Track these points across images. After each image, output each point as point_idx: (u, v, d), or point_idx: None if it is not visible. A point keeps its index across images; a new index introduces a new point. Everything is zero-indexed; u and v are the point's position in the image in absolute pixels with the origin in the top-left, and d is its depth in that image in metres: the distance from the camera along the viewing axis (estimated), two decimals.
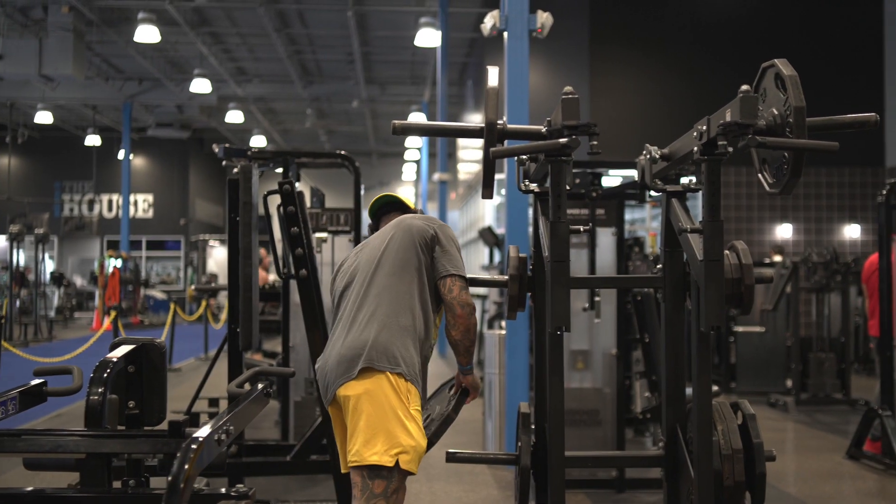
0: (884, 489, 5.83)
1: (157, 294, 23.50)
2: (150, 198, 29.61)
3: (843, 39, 15.13)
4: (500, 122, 2.86)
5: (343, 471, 3.22)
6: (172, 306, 11.55)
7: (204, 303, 13.62)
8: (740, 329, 9.90)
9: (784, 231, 15.14)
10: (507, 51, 6.26)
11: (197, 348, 13.64)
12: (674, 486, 3.35)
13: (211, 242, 26.26)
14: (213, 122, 24.97)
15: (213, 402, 7.36)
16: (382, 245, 3.30)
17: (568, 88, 2.70)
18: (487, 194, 2.91)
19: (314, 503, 5.21)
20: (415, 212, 3.54)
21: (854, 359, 11.28)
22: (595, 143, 2.69)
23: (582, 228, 3.22)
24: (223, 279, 25.77)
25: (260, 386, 3.29)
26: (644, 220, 15.71)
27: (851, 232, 15.08)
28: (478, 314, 15.45)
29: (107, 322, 12.88)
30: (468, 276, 3.37)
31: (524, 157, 3.46)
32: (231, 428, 2.65)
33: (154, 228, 29.39)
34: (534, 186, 3.53)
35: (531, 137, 2.99)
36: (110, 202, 29.22)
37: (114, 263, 19.22)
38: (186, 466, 2.20)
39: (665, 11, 15.03)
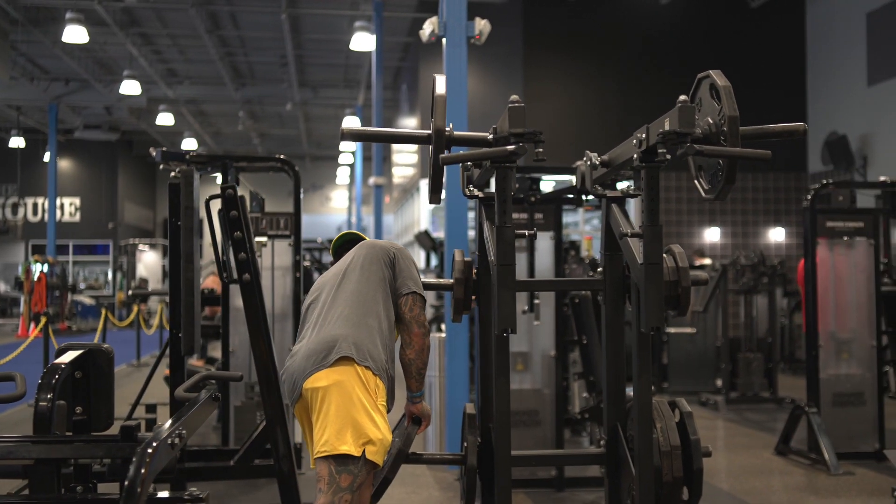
0: (811, 483, 6.06)
1: (85, 299, 22.98)
2: (77, 201, 28.93)
3: (769, 50, 15.63)
4: (447, 128, 2.93)
5: (312, 466, 3.21)
6: (104, 312, 11.34)
7: (136, 308, 13.40)
8: (672, 330, 10.14)
9: (712, 234, 15.54)
10: (446, 57, 6.34)
11: (129, 354, 13.42)
12: (615, 483, 3.46)
13: (141, 247, 25.79)
14: (142, 125, 24.54)
15: (151, 408, 7.27)
16: (347, 261, 3.41)
17: (514, 97, 2.78)
18: (435, 199, 2.97)
19: None
20: None
21: (780, 358, 11.64)
22: (541, 150, 2.77)
23: (527, 233, 3.30)
24: (154, 284, 25.42)
25: (208, 390, 3.31)
26: (577, 224, 15.96)
27: (776, 235, 15.55)
28: None
29: (34, 329, 12.57)
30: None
31: (468, 163, 3.53)
32: (184, 432, 2.67)
33: (81, 232, 28.72)
34: (477, 192, 3.60)
35: (478, 144, 3.06)
36: (35, 205, 28.46)
37: (40, 268, 18.76)
38: (143, 470, 2.22)
39: (598, 19, 15.31)
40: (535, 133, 2.72)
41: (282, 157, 6.40)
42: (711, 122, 2.99)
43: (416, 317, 3.29)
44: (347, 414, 3.03)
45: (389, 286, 3.32)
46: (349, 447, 3.00)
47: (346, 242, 3.69)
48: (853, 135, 14.14)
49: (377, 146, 16.58)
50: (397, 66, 20.67)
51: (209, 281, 8.71)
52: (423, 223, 17.12)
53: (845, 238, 6.73)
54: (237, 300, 6.02)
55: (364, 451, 3.01)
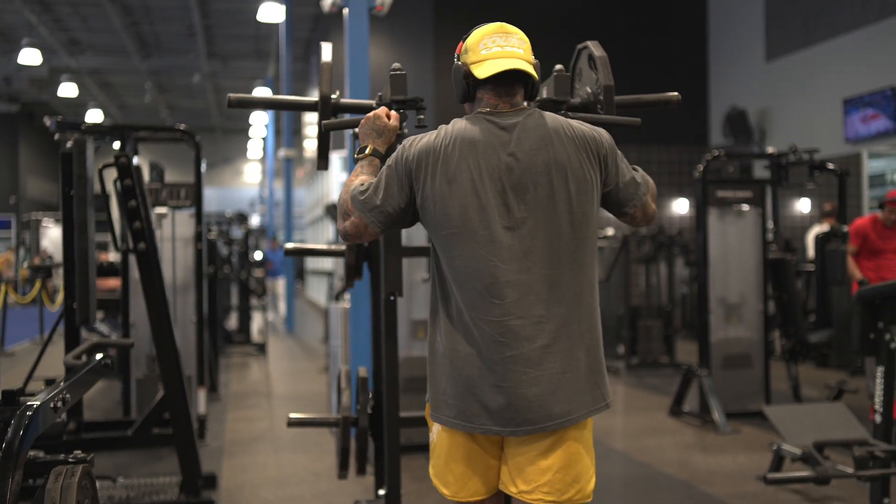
0: (700, 441, 6.33)
1: None
2: None
3: (672, 26, 15.96)
4: (333, 96, 2.97)
5: None
6: (3, 287, 11.04)
7: (39, 283, 13.07)
8: None
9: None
10: (348, 27, 6.35)
11: (32, 331, 13.10)
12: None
13: (45, 222, 25.04)
14: (44, 96, 23.79)
15: (51, 382, 7.15)
16: None
17: (396, 65, 2.84)
18: (322, 165, 3.02)
19: (159, 477, 5.20)
20: None
21: (682, 325, 12.03)
22: (422, 116, 2.84)
23: None
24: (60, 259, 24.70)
25: (98, 357, 3.32)
26: None
27: (681, 206, 16.00)
28: (323, 289, 15.29)
29: None
30: (309, 245, 3.47)
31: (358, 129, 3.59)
32: (67, 396, 2.68)
33: None
34: None
35: (363, 111, 3.12)
36: None
37: None
38: (21, 432, 2.23)
39: None
40: (416, 100, 2.79)
41: (182, 127, 6.34)
42: (589, 91, 3.11)
43: None
44: None
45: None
46: None
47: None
48: (752, 109, 14.61)
49: (287, 118, 16.44)
50: (308, 38, 20.46)
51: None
52: (335, 195, 17.08)
53: (735, 207, 7.01)
54: (137, 271, 5.97)
55: None
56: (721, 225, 7.01)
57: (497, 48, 2.31)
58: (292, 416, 3.76)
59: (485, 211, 2.21)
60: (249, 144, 30.82)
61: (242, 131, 30.42)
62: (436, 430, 2.34)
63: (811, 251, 8.50)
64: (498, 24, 2.36)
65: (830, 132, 12.41)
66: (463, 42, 2.40)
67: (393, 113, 2.61)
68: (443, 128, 2.34)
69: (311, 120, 21.22)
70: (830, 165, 7.19)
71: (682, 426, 6.84)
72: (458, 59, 2.39)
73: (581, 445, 2.26)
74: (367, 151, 2.52)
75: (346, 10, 6.40)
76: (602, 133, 2.36)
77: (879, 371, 4.18)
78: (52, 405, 2.50)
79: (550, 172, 2.24)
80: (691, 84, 15.75)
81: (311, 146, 22.26)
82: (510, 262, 2.20)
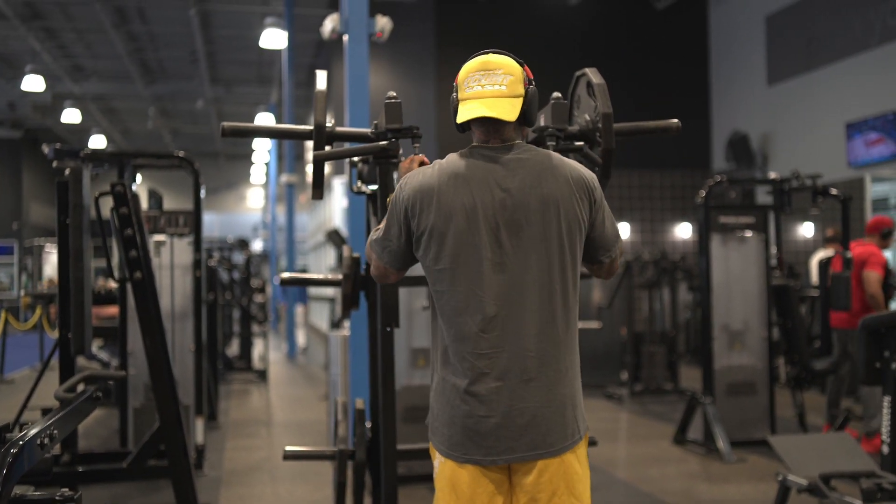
0: (704, 470, 6.25)
1: None
2: None
3: (673, 51, 15.98)
4: (328, 124, 2.94)
5: None
6: (3, 314, 11.00)
7: (39, 310, 13.01)
8: (579, 325, 10.29)
9: (621, 230, 15.83)
10: (348, 54, 6.33)
11: (32, 357, 13.04)
12: None
13: (48, 248, 25.04)
14: (48, 122, 23.83)
15: (47, 411, 7.08)
16: None
17: (391, 93, 2.81)
18: (317, 195, 2.97)
19: None
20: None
21: (685, 351, 11.94)
22: (418, 145, 2.80)
23: None
24: None
25: (88, 390, 3.26)
26: None
27: (683, 231, 15.94)
28: (325, 315, 15.14)
29: None
30: (305, 275, 3.42)
31: (356, 159, 3.55)
32: (55, 432, 2.63)
33: None
34: (365, 188, 3.62)
35: (359, 140, 3.08)
36: None
37: None
38: (4, 471, 2.18)
39: (509, 17, 15.46)
40: (412, 128, 2.76)
41: (181, 153, 6.31)
42: (588, 118, 3.07)
43: None
44: None
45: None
46: None
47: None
48: (754, 133, 14.59)
49: (289, 144, 16.43)
50: (311, 64, 20.51)
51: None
52: (337, 221, 17.04)
53: (737, 233, 6.96)
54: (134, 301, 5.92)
55: None
56: (724, 251, 6.96)
57: (477, 87, 2.29)
58: (288, 448, 3.70)
59: (477, 248, 2.23)
60: (252, 170, 30.81)
61: (245, 156, 30.44)
62: (438, 463, 2.31)
63: (815, 277, 8.42)
64: (482, 59, 2.32)
65: (833, 156, 12.37)
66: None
67: (424, 158, 2.62)
68: (437, 163, 2.33)
69: (311, 145, 21.24)
70: (833, 191, 7.14)
71: (686, 454, 6.75)
72: (454, 91, 2.35)
73: (572, 474, 2.27)
74: (389, 198, 2.54)
75: (345, 37, 6.39)
76: (593, 176, 2.37)
77: (887, 401, 4.10)
78: (38, 442, 2.45)
79: (543, 209, 2.25)
80: (693, 108, 15.76)
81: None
82: (499, 298, 2.22)
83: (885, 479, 3.93)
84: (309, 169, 22.69)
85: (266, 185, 29.22)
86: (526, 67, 2.33)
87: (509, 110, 2.24)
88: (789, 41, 13.93)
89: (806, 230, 13.19)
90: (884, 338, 4.10)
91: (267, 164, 26.86)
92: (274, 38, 14.47)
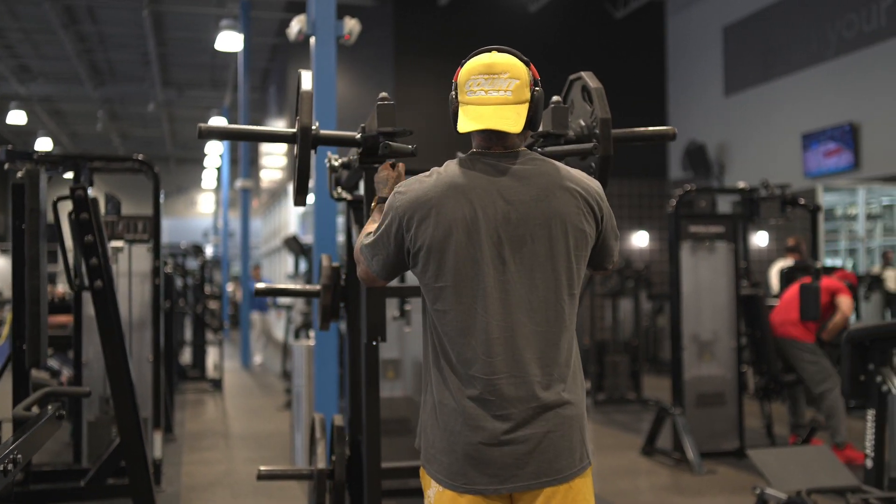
0: (676, 483, 6.17)
1: None
2: None
3: (631, 61, 16.04)
4: (313, 127, 2.77)
5: None
6: None
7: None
8: None
9: None
10: (315, 56, 6.16)
11: None
12: None
13: None
14: None
15: None
16: None
17: (383, 94, 2.66)
18: (301, 201, 2.80)
19: None
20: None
21: (645, 360, 11.93)
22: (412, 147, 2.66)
23: None
24: (9, 291, 23.95)
25: (51, 408, 3.05)
26: None
27: (640, 240, 15.98)
28: (282, 325, 14.90)
29: None
30: (278, 286, 3.26)
31: (336, 164, 3.39)
32: (19, 456, 2.43)
33: None
34: (346, 194, 3.46)
35: (345, 144, 2.93)
36: None
37: None
38: None
39: (468, 24, 15.36)
40: (405, 131, 2.61)
41: (140, 157, 6.08)
42: (583, 124, 2.96)
43: None
44: None
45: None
46: None
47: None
48: (711, 143, 14.68)
49: (244, 148, 16.14)
50: (265, 68, 20.24)
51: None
52: (292, 227, 16.79)
53: (707, 242, 6.91)
54: (91, 308, 5.67)
55: None
56: (693, 260, 6.91)
57: (480, 92, 2.12)
58: (262, 469, 3.51)
59: (479, 265, 2.07)
60: (204, 174, 30.33)
61: (197, 161, 29.95)
62: (434, 492, 2.14)
63: (775, 286, 8.44)
64: (487, 59, 2.14)
65: (789, 167, 12.48)
66: (460, 67, 2.19)
67: (402, 168, 2.48)
68: (435, 171, 2.16)
69: (268, 150, 20.95)
70: (802, 200, 7.15)
71: (655, 466, 6.67)
72: (453, 90, 2.19)
73: (581, 502, 2.12)
74: (374, 202, 2.44)
75: (312, 39, 6.22)
76: (601, 188, 2.24)
77: (870, 415, 4.06)
78: (2, 468, 2.25)
79: (549, 225, 2.10)
80: (651, 117, 15.81)
81: (268, 177, 21.95)
82: (503, 319, 2.07)
83: (871, 494, 3.88)
84: (264, 174, 22.41)
85: (218, 190, 28.79)
86: (532, 67, 2.17)
87: (515, 120, 2.09)
88: (746, 52, 14.05)
89: (760, 240, 13.28)
90: (868, 351, 4.05)
91: (219, 168, 26.45)
92: (229, 41, 14.20)
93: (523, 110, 2.12)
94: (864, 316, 10.84)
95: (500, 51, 2.16)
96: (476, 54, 2.18)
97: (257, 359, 15.58)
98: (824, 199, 12.27)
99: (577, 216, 2.12)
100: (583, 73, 2.92)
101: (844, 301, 6.70)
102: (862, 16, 11.51)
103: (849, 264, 12.72)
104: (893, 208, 12.93)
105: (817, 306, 6.59)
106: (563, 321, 2.11)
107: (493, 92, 2.11)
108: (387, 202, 2.19)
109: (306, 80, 2.74)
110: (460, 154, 2.25)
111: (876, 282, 10.86)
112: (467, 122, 2.10)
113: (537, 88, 2.17)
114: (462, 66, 2.19)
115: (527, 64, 2.17)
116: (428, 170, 2.19)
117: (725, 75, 14.59)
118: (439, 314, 2.11)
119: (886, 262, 11.17)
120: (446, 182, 2.10)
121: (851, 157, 11.33)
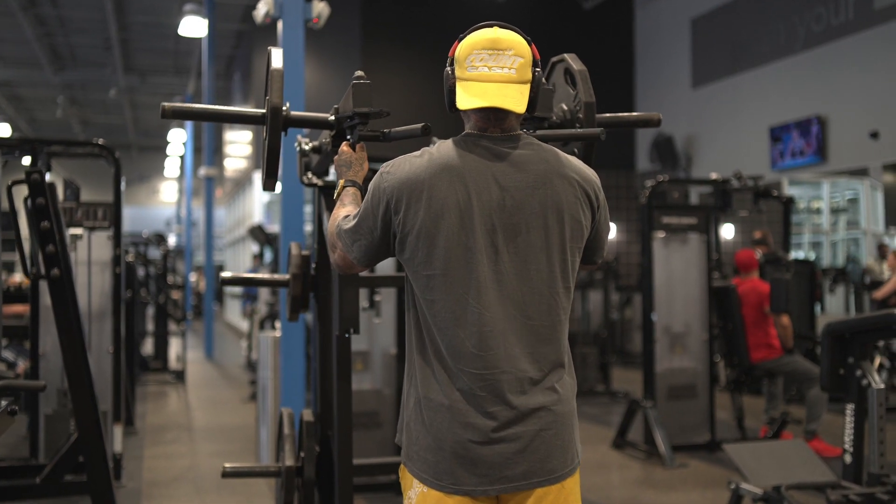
0: (648, 476, 6.11)
1: None
2: None
3: (600, 52, 15.99)
4: (284, 107, 2.63)
5: None
6: None
7: None
8: None
9: None
10: (283, 40, 6.00)
11: None
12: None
13: None
14: None
15: None
16: None
17: (359, 73, 2.52)
18: (270, 186, 2.65)
19: None
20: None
21: (612, 351, 11.90)
22: (387, 130, 2.53)
23: None
24: None
25: (4, 403, 2.89)
26: None
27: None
28: (236, 312, 14.67)
29: None
30: (246, 275, 3.11)
31: (306, 148, 3.25)
32: None
33: None
34: (317, 180, 3.31)
35: (318, 126, 2.78)
36: None
37: None
38: None
39: (436, 11, 15.23)
40: (383, 112, 2.47)
41: (100, 142, 5.88)
42: (566, 108, 2.84)
43: None
44: None
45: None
46: None
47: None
48: (679, 135, 14.69)
49: (208, 136, 15.85)
50: (230, 55, 19.94)
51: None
52: (257, 217, 16.55)
53: (679, 234, 6.85)
54: (48, 297, 5.47)
55: None
56: (665, 252, 6.84)
57: (484, 69, 1.98)
58: (227, 466, 3.37)
59: (471, 252, 1.94)
60: (167, 162, 29.88)
61: (159, 149, 29.49)
62: (417, 492, 2.00)
63: None
64: (491, 34, 2.01)
65: (756, 159, 12.51)
66: (458, 42, 2.06)
67: (358, 144, 2.42)
68: (426, 152, 2.02)
69: (232, 139, 20.65)
70: (775, 192, 7.11)
71: (627, 459, 6.61)
72: (449, 65, 2.05)
73: (573, 503, 2.02)
74: (338, 187, 2.34)
75: (280, 22, 6.05)
76: (597, 177, 2.11)
77: (849, 409, 4.00)
78: None
79: (546, 215, 1.98)
80: (618, 109, 15.56)
81: (232, 165, 21.64)
82: (496, 311, 1.94)
83: (851, 490, 3.82)
84: (228, 163, 22.08)
85: (181, 179, 28.40)
86: (533, 46, 2.04)
87: (519, 100, 1.96)
88: (714, 44, 14.06)
89: (727, 232, 13.30)
90: (848, 343, 3.99)
91: (182, 156, 26.07)
92: (193, 26, 13.92)
93: (526, 91, 2.00)
94: (829, 308, 10.90)
95: (502, 27, 2.04)
96: (476, 29, 2.05)
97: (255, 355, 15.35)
98: (789, 192, 12.33)
99: (574, 206, 2.01)
100: (566, 56, 2.80)
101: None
102: (830, 9, 11.54)
103: (811, 257, 12.78)
104: (857, 202, 13.00)
105: (787, 298, 6.56)
106: (557, 315, 1.99)
107: (496, 69, 1.98)
108: (371, 183, 2.04)
109: (277, 57, 2.60)
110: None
111: (841, 275, 10.91)
112: (468, 98, 1.96)
113: (537, 69, 2.04)
114: (461, 41, 2.05)
115: (529, 43, 2.05)
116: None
117: (693, 67, 14.59)
118: (430, 304, 1.97)
119: (882, 255, 11.12)
120: (440, 163, 1.97)
121: (818, 150, 11.37)
